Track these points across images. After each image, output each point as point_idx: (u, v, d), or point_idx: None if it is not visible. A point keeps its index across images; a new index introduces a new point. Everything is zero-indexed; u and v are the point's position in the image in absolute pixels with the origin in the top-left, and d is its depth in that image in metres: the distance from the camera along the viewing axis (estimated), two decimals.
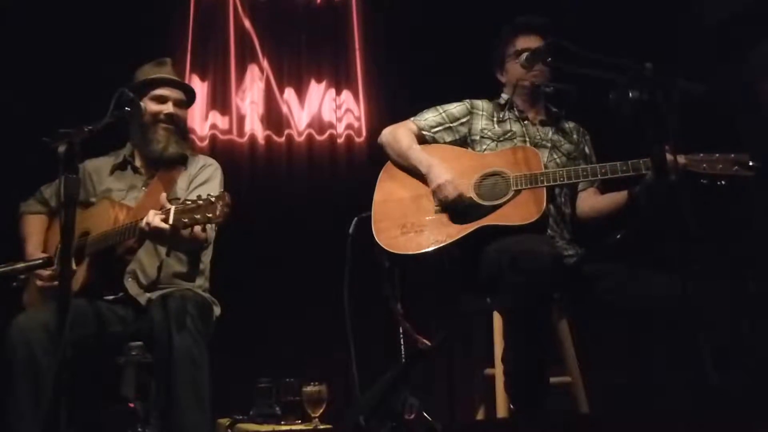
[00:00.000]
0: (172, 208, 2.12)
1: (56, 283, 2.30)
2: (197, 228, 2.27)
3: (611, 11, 3.58)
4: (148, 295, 2.40)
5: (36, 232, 2.61)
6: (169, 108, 2.58)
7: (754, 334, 2.88)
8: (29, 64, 3.42)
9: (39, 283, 2.44)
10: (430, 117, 2.55)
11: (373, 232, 2.34)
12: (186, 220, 2.09)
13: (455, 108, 2.57)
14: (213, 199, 2.08)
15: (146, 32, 3.60)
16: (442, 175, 2.32)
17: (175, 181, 2.59)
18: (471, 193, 2.30)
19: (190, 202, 2.11)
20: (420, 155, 2.43)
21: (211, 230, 2.51)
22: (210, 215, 2.07)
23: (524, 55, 2.48)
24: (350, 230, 2.45)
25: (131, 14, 3.59)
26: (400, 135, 2.50)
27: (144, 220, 2.17)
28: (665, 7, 3.60)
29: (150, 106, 2.56)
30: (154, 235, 2.20)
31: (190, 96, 2.72)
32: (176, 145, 2.59)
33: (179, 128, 2.61)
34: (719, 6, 3.57)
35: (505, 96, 2.60)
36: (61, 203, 1.98)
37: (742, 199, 3.17)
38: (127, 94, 2.17)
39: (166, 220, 2.12)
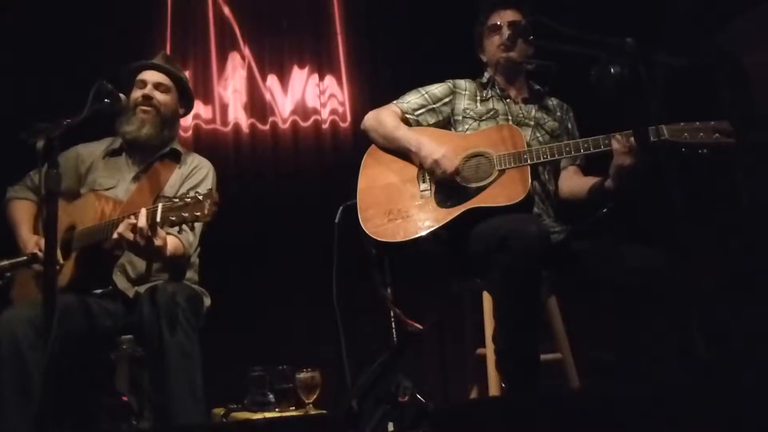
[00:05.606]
0: (160, 206, 2.09)
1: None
2: (177, 245, 2.30)
3: None
4: (136, 288, 2.39)
5: (26, 218, 2.55)
6: (146, 90, 2.55)
7: (741, 306, 2.90)
8: (5, 56, 3.37)
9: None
10: (412, 99, 2.52)
11: (360, 221, 2.33)
12: (174, 218, 2.07)
13: (437, 88, 2.55)
14: (201, 198, 2.05)
15: (124, 22, 3.55)
16: (437, 150, 2.31)
17: (167, 177, 2.56)
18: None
19: (177, 200, 2.08)
20: (408, 134, 2.41)
21: (195, 236, 2.49)
22: (198, 213, 2.04)
23: (506, 34, 2.47)
24: (336, 219, 2.44)
25: (108, 4, 3.54)
26: (384, 117, 2.48)
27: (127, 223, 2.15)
28: None
29: (133, 93, 2.55)
30: (138, 244, 2.15)
31: (176, 81, 2.65)
32: (151, 127, 2.54)
33: (160, 112, 2.57)
34: None
35: (487, 75, 2.58)
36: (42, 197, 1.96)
37: (729, 172, 3.18)
38: (105, 86, 2.13)
39: (152, 219, 2.10)
